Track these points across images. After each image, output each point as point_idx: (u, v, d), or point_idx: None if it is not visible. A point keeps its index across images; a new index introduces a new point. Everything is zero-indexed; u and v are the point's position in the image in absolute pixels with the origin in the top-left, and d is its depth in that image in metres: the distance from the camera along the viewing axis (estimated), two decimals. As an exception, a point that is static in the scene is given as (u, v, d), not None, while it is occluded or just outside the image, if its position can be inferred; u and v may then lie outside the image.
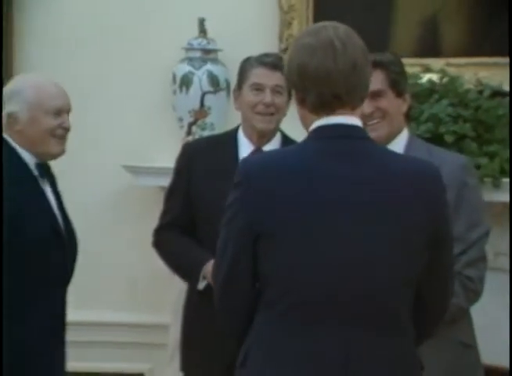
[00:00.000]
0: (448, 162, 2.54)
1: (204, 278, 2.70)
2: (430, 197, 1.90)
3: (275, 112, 2.75)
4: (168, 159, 3.39)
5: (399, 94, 2.61)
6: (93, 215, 3.70)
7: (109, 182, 3.71)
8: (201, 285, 2.71)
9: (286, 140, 2.82)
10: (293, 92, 1.96)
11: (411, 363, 1.94)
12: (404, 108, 2.65)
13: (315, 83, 1.88)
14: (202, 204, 2.75)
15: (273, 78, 2.71)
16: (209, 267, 2.62)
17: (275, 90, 2.71)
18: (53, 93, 2.66)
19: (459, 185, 2.51)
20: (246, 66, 2.81)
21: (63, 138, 2.68)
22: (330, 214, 1.85)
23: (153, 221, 2.94)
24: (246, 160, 2.04)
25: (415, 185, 1.89)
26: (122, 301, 3.71)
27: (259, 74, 2.74)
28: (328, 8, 3.52)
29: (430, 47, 3.46)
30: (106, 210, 3.77)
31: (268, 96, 2.72)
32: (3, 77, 3.37)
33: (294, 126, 2.10)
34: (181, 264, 2.83)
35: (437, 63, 3.36)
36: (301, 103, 1.93)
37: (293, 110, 2.15)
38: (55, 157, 2.70)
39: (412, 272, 1.90)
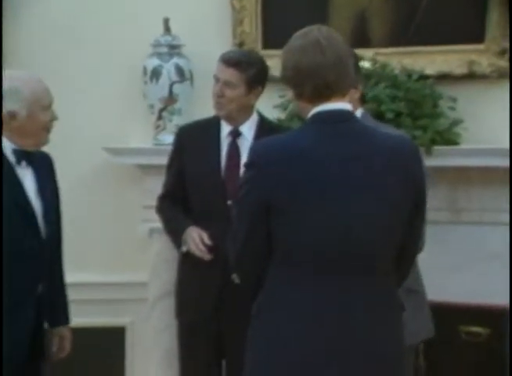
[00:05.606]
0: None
1: (185, 242, 2.90)
2: (409, 166, 2.08)
3: (225, 102, 2.91)
4: (141, 140, 3.73)
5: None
6: (79, 188, 3.83)
7: (91, 161, 3.86)
8: (183, 248, 2.93)
9: (263, 121, 3.03)
10: (291, 89, 2.10)
11: (394, 305, 2.13)
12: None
13: (310, 76, 2.04)
14: (192, 177, 2.96)
15: (226, 74, 2.89)
16: (187, 234, 2.88)
17: (226, 84, 2.89)
18: (45, 89, 2.66)
19: None
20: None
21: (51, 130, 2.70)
22: (326, 187, 2.02)
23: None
24: (256, 144, 2.22)
25: (396, 157, 2.06)
26: (107, 264, 3.88)
27: (217, 68, 2.94)
28: (274, 8, 3.73)
29: (361, 39, 3.63)
30: (89, 184, 3.91)
31: (217, 88, 2.92)
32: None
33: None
34: (168, 230, 3.05)
35: (367, 52, 3.52)
36: (299, 97, 2.09)
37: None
38: (41, 147, 2.70)
39: (398, 229, 2.08)
